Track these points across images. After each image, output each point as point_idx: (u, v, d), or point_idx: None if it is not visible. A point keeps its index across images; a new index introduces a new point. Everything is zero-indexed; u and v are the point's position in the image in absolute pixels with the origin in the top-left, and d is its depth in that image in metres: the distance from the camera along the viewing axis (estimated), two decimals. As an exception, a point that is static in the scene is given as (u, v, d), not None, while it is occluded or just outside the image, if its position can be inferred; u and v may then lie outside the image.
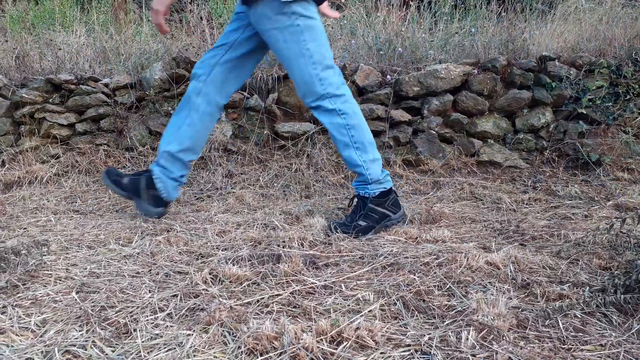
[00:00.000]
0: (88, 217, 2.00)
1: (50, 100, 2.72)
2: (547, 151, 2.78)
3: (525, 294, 1.28)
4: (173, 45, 3.16)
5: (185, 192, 2.33)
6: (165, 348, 1.01)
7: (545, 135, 2.83)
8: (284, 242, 1.62)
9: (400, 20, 3.44)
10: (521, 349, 1.00)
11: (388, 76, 2.79)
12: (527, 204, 2.22)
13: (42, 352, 0.99)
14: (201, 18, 3.47)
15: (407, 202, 2.20)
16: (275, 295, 1.25)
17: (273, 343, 1.00)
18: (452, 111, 2.81)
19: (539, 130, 2.82)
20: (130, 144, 2.69)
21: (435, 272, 1.39)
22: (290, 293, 1.26)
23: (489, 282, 1.34)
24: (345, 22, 3.68)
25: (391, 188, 1.82)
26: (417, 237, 1.71)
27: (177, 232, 1.76)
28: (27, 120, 2.69)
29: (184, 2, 3.98)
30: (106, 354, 0.98)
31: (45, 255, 1.52)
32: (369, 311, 1.16)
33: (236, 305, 1.18)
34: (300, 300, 1.22)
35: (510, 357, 0.97)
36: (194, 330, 1.07)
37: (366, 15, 3.62)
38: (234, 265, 1.42)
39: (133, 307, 1.18)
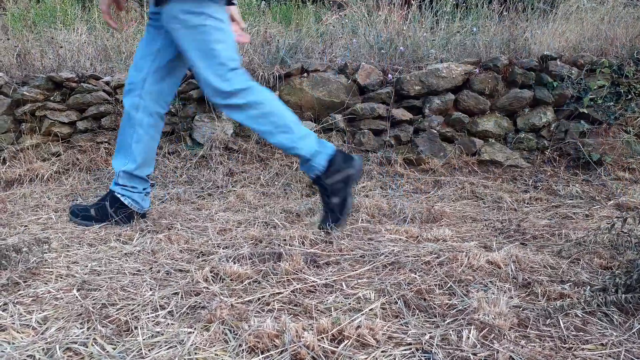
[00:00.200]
0: (89, 215, 2.00)
1: (52, 98, 2.72)
2: (548, 150, 2.78)
3: (526, 293, 1.28)
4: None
5: (186, 191, 2.33)
6: (166, 346, 1.01)
7: (547, 135, 2.83)
8: (284, 240, 1.62)
9: (401, 19, 3.44)
10: (522, 348, 1.00)
11: (389, 75, 2.79)
12: (528, 203, 2.22)
13: (43, 349, 0.99)
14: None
15: (408, 201, 2.20)
16: (276, 293, 1.25)
17: (274, 341, 1.00)
18: (454, 110, 2.81)
19: (540, 129, 2.82)
20: (131, 142, 2.69)
21: (436, 271, 1.39)
22: (291, 291, 1.26)
23: (490, 281, 1.34)
24: (347, 20, 3.68)
25: (334, 149, 1.76)
26: (418, 236, 1.71)
27: (178, 230, 1.76)
28: (28, 118, 2.69)
29: None
30: (107, 352, 0.98)
31: (46, 252, 1.52)
32: (370, 310, 1.16)
33: (237, 303, 1.18)
34: (301, 298, 1.22)
35: (511, 356, 0.97)
36: (195, 328, 1.07)
37: (367, 14, 3.62)
38: (235, 263, 1.42)
39: (134, 304, 1.18)
